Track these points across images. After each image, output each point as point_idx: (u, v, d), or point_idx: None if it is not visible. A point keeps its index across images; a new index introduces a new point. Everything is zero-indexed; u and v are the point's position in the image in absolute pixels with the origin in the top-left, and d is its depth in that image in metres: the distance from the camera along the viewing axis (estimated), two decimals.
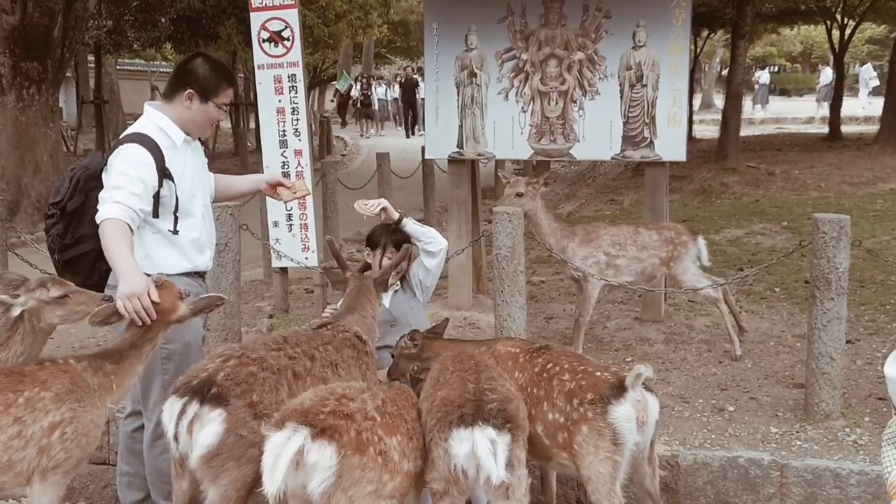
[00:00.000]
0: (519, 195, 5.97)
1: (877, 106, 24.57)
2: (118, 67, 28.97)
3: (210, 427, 3.20)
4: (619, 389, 3.49)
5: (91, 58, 24.61)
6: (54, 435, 3.20)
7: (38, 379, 3.25)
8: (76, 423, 3.27)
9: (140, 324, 3.46)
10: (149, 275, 3.57)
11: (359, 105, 31.12)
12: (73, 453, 3.27)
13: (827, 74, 33.93)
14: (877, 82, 33.32)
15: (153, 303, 3.47)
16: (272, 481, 2.82)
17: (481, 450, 3.06)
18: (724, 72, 32.23)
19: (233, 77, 4.11)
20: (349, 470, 2.92)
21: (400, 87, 31.21)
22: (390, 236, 4.75)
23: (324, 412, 2.98)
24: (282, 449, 2.84)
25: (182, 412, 3.19)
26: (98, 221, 3.60)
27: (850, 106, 32.21)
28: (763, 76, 36.59)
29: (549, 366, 3.77)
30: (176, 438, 3.22)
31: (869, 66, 36.51)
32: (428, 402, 3.39)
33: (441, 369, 3.61)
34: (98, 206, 3.64)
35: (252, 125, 24.38)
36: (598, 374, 3.61)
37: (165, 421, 3.28)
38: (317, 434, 2.89)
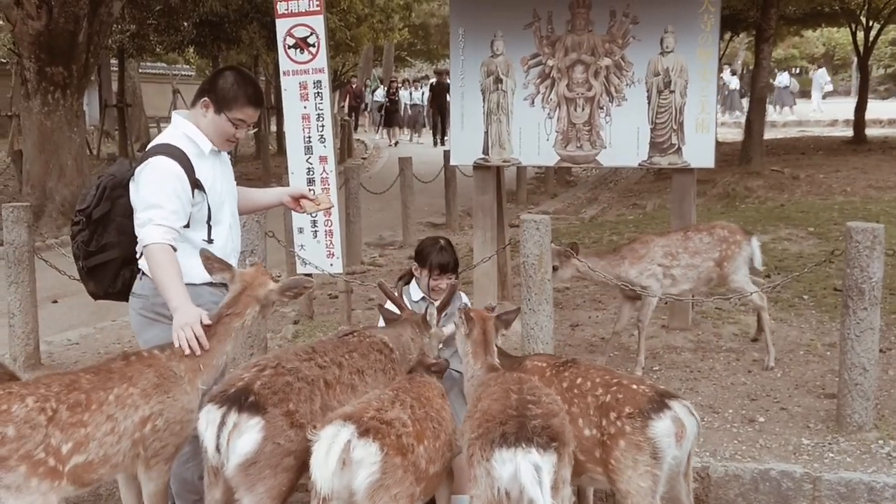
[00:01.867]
0: (555, 269, 5.76)
1: (833, 109, 24.75)
2: (141, 71, 29.14)
3: (248, 435, 3.21)
4: (659, 404, 3.45)
5: (114, 61, 24.75)
6: (146, 428, 3.34)
7: (125, 375, 3.36)
8: (167, 414, 3.40)
9: (190, 353, 3.55)
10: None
11: (383, 111, 29.02)
12: (169, 441, 3.42)
13: (782, 79, 33.90)
14: (830, 87, 33.57)
15: (205, 327, 3.58)
16: (323, 476, 2.96)
17: (525, 476, 2.94)
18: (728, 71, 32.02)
19: (256, 97, 3.97)
20: (392, 469, 3.05)
21: (431, 91, 28.19)
22: (439, 256, 4.75)
23: (367, 416, 3.12)
24: (333, 440, 2.98)
25: (223, 422, 3.20)
26: (142, 244, 3.64)
27: (803, 109, 33.10)
28: (783, 79, 36.15)
29: (578, 381, 3.74)
30: (217, 449, 3.22)
31: (823, 70, 36.47)
32: (470, 413, 3.35)
33: (485, 385, 3.56)
34: (137, 228, 3.66)
35: (273, 128, 24.43)
36: (635, 387, 3.57)
37: (202, 429, 3.28)
38: (362, 432, 3.03)
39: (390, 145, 27.10)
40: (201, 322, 3.57)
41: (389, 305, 4.59)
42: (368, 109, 33.17)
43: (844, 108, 29.23)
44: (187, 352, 3.53)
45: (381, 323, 4.61)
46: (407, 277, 4.92)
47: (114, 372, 3.37)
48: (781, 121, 30.73)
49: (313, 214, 6.85)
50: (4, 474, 2.91)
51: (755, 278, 6.20)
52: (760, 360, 6.00)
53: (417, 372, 4.01)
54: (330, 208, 6.02)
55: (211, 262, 3.74)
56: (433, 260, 4.72)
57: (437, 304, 4.42)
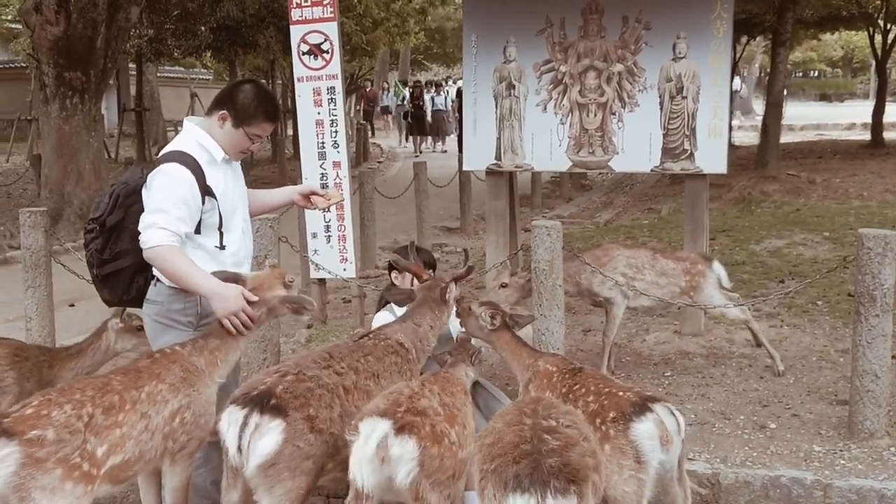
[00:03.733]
0: (504, 286, 5.88)
1: (851, 112, 24.53)
2: (159, 75, 29.34)
3: (269, 436, 3.26)
4: (641, 407, 3.47)
5: (132, 66, 24.94)
6: (175, 421, 3.46)
7: (153, 373, 3.47)
8: (193, 406, 3.53)
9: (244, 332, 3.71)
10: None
11: (409, 118, 26.58)
12: (194, 434, 3.54)
13: (734, 84, 33.69)
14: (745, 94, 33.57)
15: (250, 303, 3.70)
16: (364, 478, 3.06)
17: None
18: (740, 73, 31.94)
19: (275, 113, 4.05)
20: (430, 460, 3.15)
21: (457, 95, 24.68)
22: (417, 257, 4.81)
23: (400, 411, 3.20)
24: (370, 434, 3.08)
25: (245, 423, 3.26)
26: (145, 247, 3.67)
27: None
28: (735, 84, 35.68)
29: (576, 387, 3.79)
30: (239, 449, 3.27)
31: (737, 79, 36.10)
32: (483, 433, 3.21)
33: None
34: (141, 229, 3.70)
35: (290, 132, 24.52)
36: (621, 393, 3.60)
37: (224, 429, 3.33)
38: (398, 430, 3.12)
39: (416, 154, 24.63)
40: (245, 299, 3.68)
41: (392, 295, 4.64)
42: (392, 114, 31.46)
43: (862, 111, 29.09)
44: (241, 333, 3.69)
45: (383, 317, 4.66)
46: (382, 303, 4.95)
47: (142, 371, 3.48)
48: (736, 125, 30.48)
49: (326, 218, 6.92)
50: (41, 475, 2.98)
51: (730, 293, 6.13)
52: (773, 367, 5.99)
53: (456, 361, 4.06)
54: (340, 202, 6.06)
55: (227, 279, 3.79)
56: (412, 259, 4.78)
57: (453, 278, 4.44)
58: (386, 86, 33.24)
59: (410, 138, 27.08)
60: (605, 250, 6.06)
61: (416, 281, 4.63)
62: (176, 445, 3.49)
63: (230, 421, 3.30)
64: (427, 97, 26.72)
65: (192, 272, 3.67)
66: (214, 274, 3.74)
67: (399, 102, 29.79)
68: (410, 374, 3.97)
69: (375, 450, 3.07)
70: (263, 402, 3.30)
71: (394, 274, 4.95)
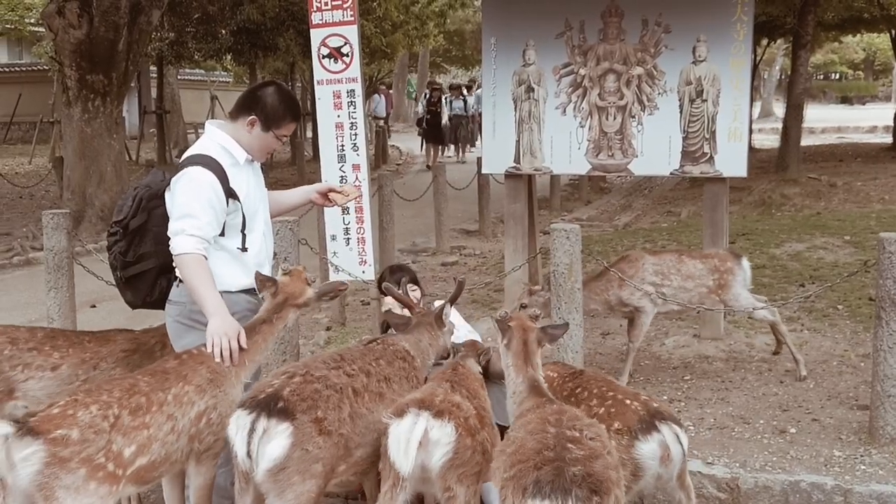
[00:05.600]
0: (524, 306, 5.75)
1: (873, 115, 24.15)
2: (179, 78, 29.51)
3: (277, 441, 3.26)
4: (648, 426, 3.46)
5: (153, 69, 25.12)
6: (202, 423, 3.50)
7: (180, 374, 3.51)
8: (219, 407, 3.56)
9: (223, 363, 3.67)
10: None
11: (424, 125, 23.17)
12: (220, 435, 3.54)
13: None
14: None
15: (249, 327, 3.78)
16: (406, 462, 3.16)
17: None
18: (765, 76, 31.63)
19: (299, 113, 4.18)
20: (463, 449, 3.23)
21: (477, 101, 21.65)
22: (399, 274, 5.10)
23: (438, 399, 3.31)
24: (411, 433, 3.17)
25: (253, 428, 3.26)
26: (174, 253, 3.74)
27: None
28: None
29: (577, 390, 3.79)
30: (248, 454, 3.28)
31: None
32: (504, 443, 3.19)
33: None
34: (171, 235, 3.74)
35: (309, 134, 24.61)
36: (628, 402, 3.58)
37: (232, 434, 3.34)
38: (437, 414, 3.23)
39: (428, 166, 20.90)
40: (238, 339, 3.70)
41: (395, 309, 4.71)
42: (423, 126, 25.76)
43: (884, 114, 28.86)
44: (218, 360, 3.63)
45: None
46: (384, 327, 5.02)
47: (169, 372, 3.51)
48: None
49: (346, 221, 6.94)
50: (65, 475, 3.01)
51: (757, 296, 6.12)
52: (793, 371, 5.96)
53: (464, 359, 4.09)
54: (359, 197, 6.13)
55: (263, 282, 3.90)
56: (398, 279, 4.98)
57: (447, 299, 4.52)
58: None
59: (424, 148, 23.77)
60: (632, 261, 6.00)
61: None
62: (202, 446, 3.52)
63: (238, 426, 3.30)
64: (457, 102, 23.60)
65: (204, 290, 3.71)
66: (257, 276, 3.87)
67: (416, 103, 27.82)
68: (416, 381, 3.99)
69: (415, 432, 3.16)
70: (271, 406, 3.30)
71: (381, 299, 5.04)
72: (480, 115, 21.23)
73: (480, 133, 19.78)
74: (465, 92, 24.96)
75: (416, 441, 3.17)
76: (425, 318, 4.40)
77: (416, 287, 5.09)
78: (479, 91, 21.50)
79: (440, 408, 3.26)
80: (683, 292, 5.87)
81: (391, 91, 32.73)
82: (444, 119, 22.88)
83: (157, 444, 3.30)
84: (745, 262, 6.01)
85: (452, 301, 4.50)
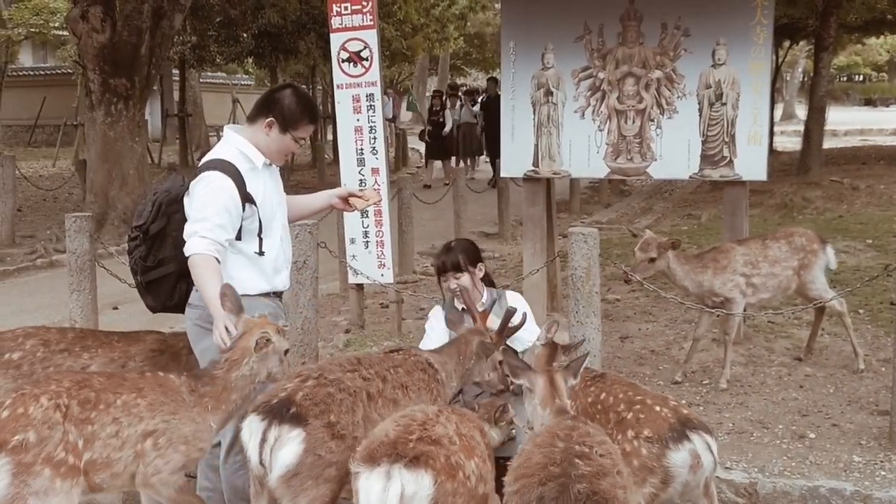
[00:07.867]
0: (652, 260, 5.74)
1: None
2: (201, 81, 29.69)
3: (289, 447, 3.27)
4: (680, 434, 3.44)
5: (175, 72, 25.30)
6: (147, 443, 3.30)
7: (136, 386, 3.37)
8: (170, 434, 3.35)
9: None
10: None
11: (427, 138, 19.97)
12: (169, 467, 3.35)
13: None
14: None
15: (211, 375, 3.59)
16: None
17: None
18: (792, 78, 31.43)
19: (317, 115, 4.21)
20: (444, 497, 2.88)
21: (482, 107, 19.80)
22: (440, 259, 4.88)
23: (412, 440, 2.94)
24: (385, 493, 2.83)
25: (264, 437, 3.27)
26: (187, 255, 3.76)
27: None
28: None
29: (602, 396, 3.75)
30: (261, 461, 3.29)
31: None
32: (515, 458, 3.06)
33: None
34: (185, 237, 3.77)
35: (329, 137, 24.71)
36: (657, 408, 3.56)
37: (245, 439, 3.35)
38: (410, 463, 2.86)
39: (427, 186, 18.14)
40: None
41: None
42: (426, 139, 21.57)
43: None
44: (222, 346, 3.56)
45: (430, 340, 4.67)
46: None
47: (126, 380, 3.42)
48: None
49: (365, 224, 6.98)
50: (33, 480, 2.97)
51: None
52: (813, 375, 5.94)
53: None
54: (379, 202, 6.13)
55: (226, 299, 3.62)
56: (437, 264, 4.90)
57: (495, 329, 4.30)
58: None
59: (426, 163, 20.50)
60: (723, 252, 6.00)
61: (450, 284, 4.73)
62: (148, 470, 3.32)
63: (251, 431, 3.31)
64: (459, 105, 20.34)
65: (212, 286, 3.67)
66: (224, 285, 3.65)
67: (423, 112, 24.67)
68: (437, 393, 3.95)
69: (390, 493, 2.83)
70: (283, 412, 3.30)
71: (445, 283, 4.88)
72: (482, 126, 20.14)
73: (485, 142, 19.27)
74: (464, 96, 21.52)
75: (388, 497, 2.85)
76: (471, 335, 4.25)
77: (460, 273, 4.76)
78: (482, 98, 20.31)
79: (415, 452, 2.89)
80: (772, 278, 5.95)
81: (400, 92, 32.41)
82: (448, 126, 19.69)
83: (100, 443, 3.18)
84: (830, 248, 6.13)
85: (500, 332, 4.27)
